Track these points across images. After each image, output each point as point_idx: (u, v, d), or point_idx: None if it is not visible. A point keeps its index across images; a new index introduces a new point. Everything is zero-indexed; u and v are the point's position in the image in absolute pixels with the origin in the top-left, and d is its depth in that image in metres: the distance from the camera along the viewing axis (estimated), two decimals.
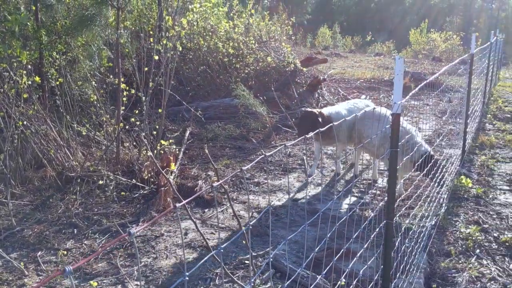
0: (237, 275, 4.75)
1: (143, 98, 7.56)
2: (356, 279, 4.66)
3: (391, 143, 3.11)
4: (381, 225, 3.74)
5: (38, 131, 6.85)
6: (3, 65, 6.36)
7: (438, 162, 5.89)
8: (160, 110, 7.64)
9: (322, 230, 5.72)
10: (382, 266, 3.25)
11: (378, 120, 6.33)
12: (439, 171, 5.75)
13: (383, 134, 6.14)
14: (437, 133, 10.05)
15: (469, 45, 8.27)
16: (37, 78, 6.18)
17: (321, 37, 39.54)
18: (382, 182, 7.31)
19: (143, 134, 7.27)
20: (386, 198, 3.28)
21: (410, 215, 5.76)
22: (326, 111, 7.26)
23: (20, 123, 6.45)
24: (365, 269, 4.87)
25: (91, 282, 3.99)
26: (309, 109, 7.22)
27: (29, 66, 6.62)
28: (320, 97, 12.05)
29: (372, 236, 3.76)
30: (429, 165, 5.62)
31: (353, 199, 6.76)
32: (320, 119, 6.91)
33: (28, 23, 6.45)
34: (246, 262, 4.99)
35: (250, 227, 5.42)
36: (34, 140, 6.87)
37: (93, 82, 7.76)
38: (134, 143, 7.53)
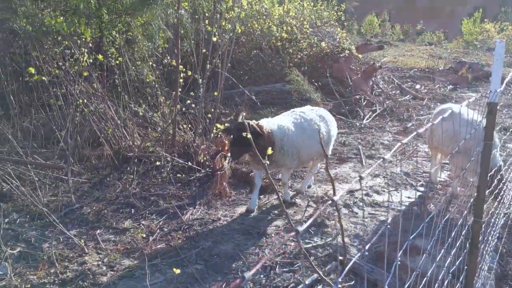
0: (297, 264, 4.62)
1: (200, 80, 7.48)
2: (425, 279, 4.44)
3: (485, 134, 2.86)
4: (461, 222, 3.50)
5: (97, 110, 6.89)
6: (66, 43, 6.39)
7: (504, 178, 5.46)
8: (216, 93, 7.54)
9: (383, 224, 5.51)
10: (466, 267, 3.02)
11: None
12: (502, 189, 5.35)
13: (453, 133, 5.80)
14: (501, 127, 9.54)
15: None
16: (100, 57, 6.18)
17: (368, 24, 38.54)
18: (442, 176, 6.99)
19: (199, 117, 7.20)
20: (475, 195, 3.04)
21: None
22: (266, 124, 5.68)
23: (80, 101, 6.49)
24: (433, 268, 4.65)
25: (174, 269, 3.94)
26: (241, 121, 5.51)
27: (90, 45, 6.63)
28: (375, 85, 11.69)
29: (456, 236, 3.52)
30: (495, 180, 5.22)
31: (413, 192, 6.48)
32: (255, 134, 5.31)
33: (91, 1, 6.45)
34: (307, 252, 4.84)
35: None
36: (92, 118, 6.92)
37: (150, 63, 7.73)
38: (190, 126, 7.48)
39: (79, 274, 4.51)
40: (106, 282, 4.39)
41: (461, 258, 3.15)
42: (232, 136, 5.64)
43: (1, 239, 5.03)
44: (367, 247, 2.02)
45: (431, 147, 6.55)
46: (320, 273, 2.86)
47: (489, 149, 2.87)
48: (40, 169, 6.43)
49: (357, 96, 10.55)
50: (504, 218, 5.48)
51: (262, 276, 4.46)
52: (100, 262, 4.73)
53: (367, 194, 6.36)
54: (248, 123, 5.29)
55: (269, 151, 4.40)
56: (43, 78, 6.32)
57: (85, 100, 6.69)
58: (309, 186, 6.68)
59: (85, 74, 6.55)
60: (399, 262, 4.53)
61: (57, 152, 6.62)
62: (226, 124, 5.91)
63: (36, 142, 6.77)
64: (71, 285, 4.34)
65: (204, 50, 7.39)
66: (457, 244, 3.13)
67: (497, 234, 4.87)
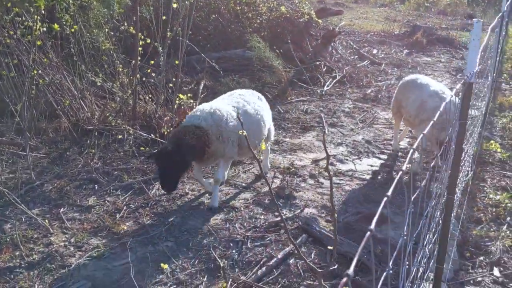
0: (268, 238, 4.68)
1: (160, 48, 7.23)
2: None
3: (461, 114, 2.92)
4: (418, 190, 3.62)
5: (52, 81, 6.56)
6: (16, 10, 5.98)
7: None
8: (176, 62, 7.33)
9: (348, 193, 5.64)
10: (439, 240, 3.15)
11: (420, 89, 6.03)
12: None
13: (420, 103, 5.93)
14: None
15: None
16: (55, 26, 5.82)
17: None
18: (404, 143, 7.18)
19: (161, 87, 7.01)
20: (449, 172, 3.13)
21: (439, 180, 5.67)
22: (193, 119, 5.02)
23: (35, 71, 6.15)
24: (397, 236, 4.82)
25: (162, 264, 3.91)
26: (168, 147, 4.84)
27: (43, 12, 6.23)
28: (334, 51, 11.70)
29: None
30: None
31: (375, 160, 6.64)
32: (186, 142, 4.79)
33: None
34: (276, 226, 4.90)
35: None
36: (48, 90, 6.59)
37: (107, 30, 7.38)
38: (151, 96, 7.27)
39: (46, 256, 4.39)
40: (75, 263, 4.30)
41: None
42: (159, 165, 4.90)
43: None
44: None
45: (395, 115, 6.69)
46: (309, 262, 2.88)
47: (464, 128, 2.94)
48: None
49: (317, 63, 10.54)
50: (463, 185, 5.73)
51: (234, 251, 4.50)
52: (67, 243, 4.62)
53: (331, 164, 6.45)
54: (179, 142, 4.71)
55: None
56: None
57: (40, 71, 6.34)
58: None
59: (39, 43, 6.18)
60: (364, 230, 4.67)
61: (13, 127, 6.30)
62: (150, 153, 5.38)
63: None
64: (38, 268, 4.24)
65: (164, 17, 7.12)
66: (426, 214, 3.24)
67: (457, 202, 5.09)
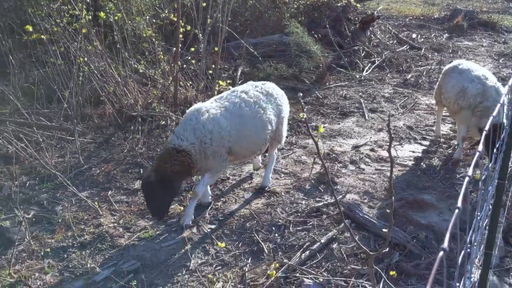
0: (310, 223, 4.72)
1: (200, 35, 7.32)
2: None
3: None
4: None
5: (97, 68, 6.74)
6: None
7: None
8: (216, 49, 7.41)
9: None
10: (488, 226, 3.12)
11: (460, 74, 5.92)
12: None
13: (459, 89, 5.83)
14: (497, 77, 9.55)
15: None
16: (101, 14, 5.98)
17: None
18: (446, 129, 7.06)
19: (201, 73, 7.10)
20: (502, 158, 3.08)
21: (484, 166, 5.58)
22: (178, 137, 4.57)
23: (80, 59, 6.33)
24: (441, 222, 4.79)
25: (219, 243, 3.95)
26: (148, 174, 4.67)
27: (88, 0, 6.40)
28: (372, 35, 11.52)
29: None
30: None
31: (417, 146, 6.56)
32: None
33: None
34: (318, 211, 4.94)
35: None
36: (93, 77, 6.78)
37: (148, 17, 7.51)
38: (191, 83, 7.38)
39: (97, 237, 4.57)
40: (125, 244, 4.47)
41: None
42: (145, 196, 4.64)
43: (10, 203, 5.07)
44: None
45: (438, 102, 6.57)
46: (362, 246, 2.90)
47: None
48: (44, 130, 6.35)
49: (356, 48, 10.43)
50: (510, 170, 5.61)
51: (276, 235, 4.57)
52: (115, 224, 4.79)
53: (372, 150, 6.42)
54: (162, 172, 4.42)
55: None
56: (42, 36, 6.14)
57: (86, 58, 6.52)
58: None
59: (84, 31, 6.36)
60: (408, 217, 4.61)
61: (60, 113, 6.52)
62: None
63: (37, 102, 6.64)
64: (90, 248, 4.42)
65: (204, 4, 7.18)
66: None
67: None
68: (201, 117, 4.63)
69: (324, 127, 7.15)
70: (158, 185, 4.43)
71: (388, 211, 2.52)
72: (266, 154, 5.70)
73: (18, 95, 6.47)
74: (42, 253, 4.31)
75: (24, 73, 7.42)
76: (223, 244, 3.53)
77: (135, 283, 3.82)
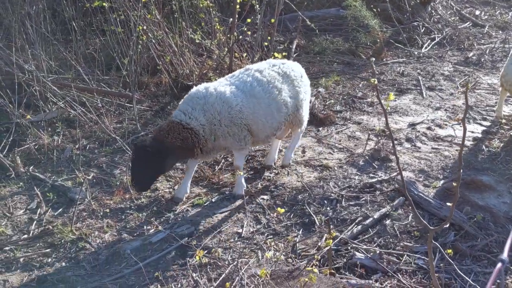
0: (363, 198, 4.67)
1: (257, 6, 7.26)
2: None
3: None
4: None
5: (155, 37, 6.84)
6: None
7: None
8: (272, 20, 7.34)
9: (447, 159, 5.44)
10: None
11: None
12: None
13: None
14: None
15: None
16: None
17: None
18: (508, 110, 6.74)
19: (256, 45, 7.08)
20: None
21: None
22: (187, 114, 4.39)
23: (140, 27, 6.44)
24: (500, 205, 4.63)
25: (278, 208, 4.01)
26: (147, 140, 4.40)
27: None
28: (433, 11, 11.06)
29: None
30: None
31: (477, 126, 6.31)
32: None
33: None
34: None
35: None
36: (151, 45, 6.89)
37: None
38: (246, 54, 7.37)
39: (153, 200, 4.72)
40: (179, 209, 4.60)
41: None
42: (132, 160, 4.37)
43: (72, 164, 5.30)
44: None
45: (502, 84, 6.27)
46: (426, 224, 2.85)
47: None
48: (104, 96, 6.55)
49: (415, 23, 10.05)
50: None
51: (328, 208, 4.56)
52: (171, 189, 4.92)
53: (429, 128, 6.24)
54: (159, 142, 4.20)
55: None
56: (104, 4, 6.28)
57: (145, 27, 6.63)
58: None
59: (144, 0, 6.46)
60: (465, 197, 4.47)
61: (119, 80, 6.70)
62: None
63: (98, 69, 6.84)
64: (146, 211, 4.58)
65: None
66: None
67: None
68: (209, 98, 4.41)
69: (379, 103, 6.99)
70: (151, 154, 4.15)
71: (453, 185, 2.44)
72: (283, 150, 5.56)
73: (80, 61, 6.68)
74: (101, 213, 4.52)
75: (85, 40, 7.64)
76: (282, 210, 3.55)
77: (194, 243, 3.94)
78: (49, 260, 3.88)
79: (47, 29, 6.71)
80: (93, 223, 4.39)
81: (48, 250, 3.99)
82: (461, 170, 2.62)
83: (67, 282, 3.58)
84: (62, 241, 4.11)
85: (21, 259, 3.88)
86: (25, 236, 4.23)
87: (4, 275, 3.71)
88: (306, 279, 2.88)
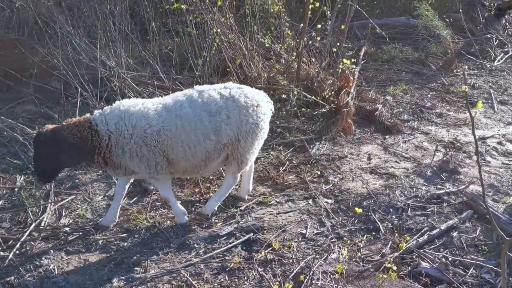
0: (430, 209, 4.64)
1: (328, 12, 7.33)
2: None
3: None
4: None
5: (228, 40, 7.07)
6: None
7: None
8: (342, 27, 7.38)
9: None
10: None
11: None
12: None
13: None
14: None
15: None
16: None
17: None
18: None
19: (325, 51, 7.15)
20: None
21: None
22: (100, 117, 4.09)
23: (215, 30, 6.68)
24: None
25: (356, 208, 4.07)
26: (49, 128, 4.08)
27: None
28: (508, 24, 10.70)
29: None
30: None
31: None
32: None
33: None
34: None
35: None
36: (223, 48, 7.12)
37: None
38: (314, 59, 7.46)
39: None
40: (245, 206, 4.74)
41: None
42: (33, 149, 4.24)
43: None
44: None
45: None
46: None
47: None
48: None
49: (488, 35, 9.76)
50: None
51: (394, 216, 4.56)
52: (237, 186, 5.08)
53: (499, 143, 6.08)
54: (55, 134, 3.93)
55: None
56: (182, 6, 6.57)
57: (219, 30, 6.87)
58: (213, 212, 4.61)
59: (220, 3, 6.70)
60: None
61: (193, 80, 6.97)
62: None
63: (173, 68, 7.15)
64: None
65: None
66: None
67: None
68: (131, 108, 4.11)
69: (449, 114, 6.88)
70: (42, 143, 3.96)
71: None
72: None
73: (157, 60, 7.01)
74: None
75: (159, 41, 7.99)
76: (360, 210, 3.63)
77: (260, 236, 4.08)
78: (125, 244, 4.13)
79: (128, 28, 7.10)
80: (165, 212, 4.63)
81: (124, 234, 4.25)
82: None
83: (142, 265, 3.81)
84: (137, 227, 4.37)
85: (100, 241, 4.16)
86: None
87: (84, 255, 3.99)
88: (385, 276, 2.96)
